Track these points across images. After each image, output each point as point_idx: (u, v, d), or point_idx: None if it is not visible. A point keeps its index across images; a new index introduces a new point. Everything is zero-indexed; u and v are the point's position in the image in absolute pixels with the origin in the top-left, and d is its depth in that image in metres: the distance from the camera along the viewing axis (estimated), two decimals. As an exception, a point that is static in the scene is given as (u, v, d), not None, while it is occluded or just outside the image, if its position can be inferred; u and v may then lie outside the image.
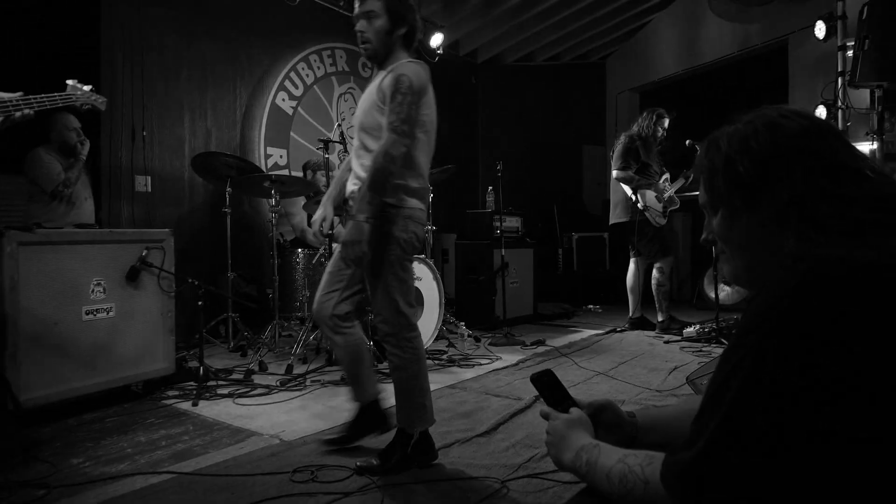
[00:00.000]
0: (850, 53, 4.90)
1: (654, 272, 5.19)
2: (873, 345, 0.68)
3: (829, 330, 0.70)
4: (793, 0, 5.77)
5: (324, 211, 2.45)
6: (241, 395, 3.15)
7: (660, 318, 5.16)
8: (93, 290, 2.90)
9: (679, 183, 5.25)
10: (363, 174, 2.19)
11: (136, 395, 3.12)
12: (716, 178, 0.93)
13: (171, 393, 3.19)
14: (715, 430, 0.75)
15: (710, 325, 4.60)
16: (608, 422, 1.16)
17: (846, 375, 0.68)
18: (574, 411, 1.11)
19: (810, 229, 0.83)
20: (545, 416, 1.14)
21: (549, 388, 1.17)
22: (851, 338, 0.69)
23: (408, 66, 2.21)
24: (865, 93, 5.02)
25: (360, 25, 2.23)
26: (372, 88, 2.27)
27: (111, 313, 2.97)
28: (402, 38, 2.29)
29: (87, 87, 2.59)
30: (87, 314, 2.87)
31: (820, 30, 5.20)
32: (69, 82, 2.56)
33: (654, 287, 5.19)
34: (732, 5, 6.36)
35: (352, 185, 2.30)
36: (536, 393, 1.22)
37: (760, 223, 0.88)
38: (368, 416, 2.41)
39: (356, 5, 2.25)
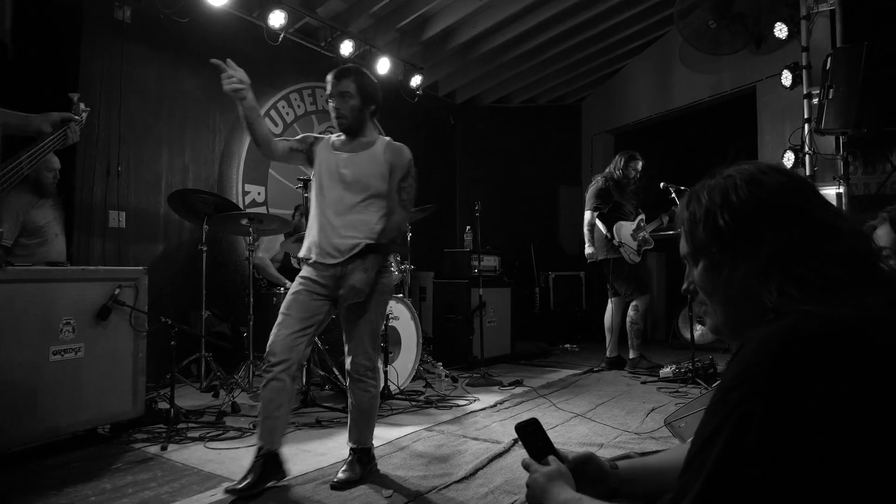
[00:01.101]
0: (815, 101, 5.09)
1: (630, 310, 5.23)
2: (858, 404, 0.69)
3: (815, 389, 0.70)
4: (760, 49, 5.99)
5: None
6: (212, 439, 3.06)
7: (631, 356, 5.18)
8: (62, 330, 2.82)
9: (655, 224, 5.34)
10: (362, 233, 2.53)
11: (104, 439, 3.02)
12: (696, 230, 0.95)
13: (139, 436, 3.09)
14: (700, 487, 0.74)
15: (686, 365, 4.63)
16: (590, 474, 1.16)
17: (832, 434, 0.69)
18: (554, 463, 1.10)
19: (790, 285, 0.85)
20: (526, 467, 1.13)
21: (533, 438, 1.16)
22: (836, 397, 0.70)
23: (406, 150, 2.67)
24: (831, 138, 5.20)
25: (336, 103, 2.57)
26: (368, 157, 2.59)
27: (80, 353, 2.89)
28: (370, 113, 2.65)
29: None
30: (55, 354, 2.79)
31: (786, 78, 5.40)
32: (74, 97, 2.41)
33: (627, 324, 5.22)
34: (700, 56, 6.59)
35: (350, 241, 2.52)
36: (515, 436, 1.21)
37: (741, 276, 0.90)
38: (274, 464, 2.42)
39: (330, 84, 2.59)
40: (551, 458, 1.10)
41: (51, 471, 2.59)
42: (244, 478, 2.32)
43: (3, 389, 2.58)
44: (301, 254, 2.66)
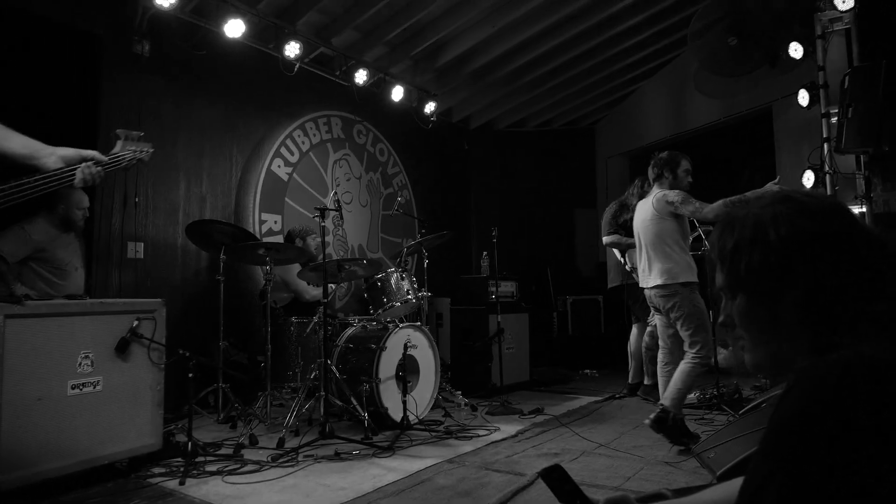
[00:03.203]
0: (834, 120, 5.03)
1: (645, 335, 5.10)
2: None
3: (874, 432, 0.66)
4: (775, 69, 5.95)
5: None
6: (230, 473, 3.01)
7: (646, 381, 5.05)
8: (80, 364, 2.81)
9: None
10: None
11: (121, 473, 2.98)
12: (734, 263, 0.91)
13: (157, 470, 3.05)
14: None
15: (710, 391, 4.52)
16: None
17: (891, 476, 0.64)
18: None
19: (833, 323, 0.82)
20: (560, 515, 1.09)
21: (559, 483, 1.12)
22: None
23: None
24: (851, 157, 5.13)
25: None
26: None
27: (98, 387, 2.87)
28: None
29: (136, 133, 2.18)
30: (73, 388, 2.77)
31: (803, 98, 5.34)
32: (121, 133, 2.25)
33: (642, 349, 5.10)
34: (714, 79, 6.57)
35: None
36: (538, 470, 1.16)
37: (782, 312, 0.86)
38: None
39: None
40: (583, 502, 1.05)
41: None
42: None
43: (22, 424, 2.57)
44: None
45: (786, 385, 0.78)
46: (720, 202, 3.39)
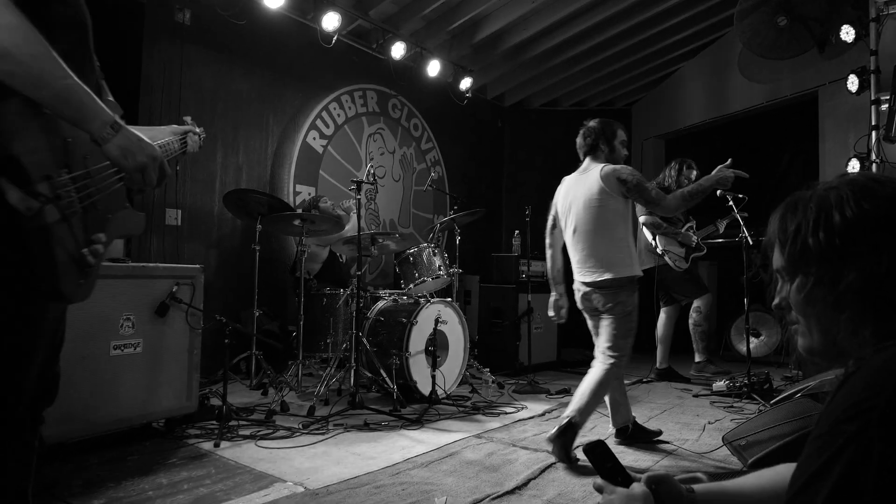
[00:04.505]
0: (884, 107, 4.87)
1: (692, 312, 5.16)
2: None
3: None
4: (823, 53, 5.76)
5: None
6: (263, 437, 3.09)
7: (697, 359, 5.13)
8: (122, 325, 2.89)
9: (709, 229, 5.22)
10: None
11: (158, 433, 3.08)
12: (795, 244, 0.89)
13: (192, 432, 3.14)
14: None
15: (741, 379, 4.47)
16: (665, 497, 1.10)
17: None
18: (635, 486, 1.06)
19: (894, 311, 0.80)
20: (599, 490, 1.09)
21: (601, 459, 1.12)
22: None
23: None
24: (900, 147, 4.97)
25: None
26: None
27: (138, 349, 2.95)
28: None
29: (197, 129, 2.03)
30: (115, 349, 2.85)
31: (853, 83, 5.17)
32: (187, 119, 2.15)
33: (691, 327, 5.18)
34: (758, 62, 6.37)
35: None
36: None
37: (841, 298, 0.84)
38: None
39: None
40: (635, 484, 1.05)
41: (108, 464, 2.65)
42: None
43: (68, 381, 2.65)
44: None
45: (844, 372, 0.77)
46: (679, 193, 2.99)
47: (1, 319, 1.18)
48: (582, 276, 3.10)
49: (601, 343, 3.03)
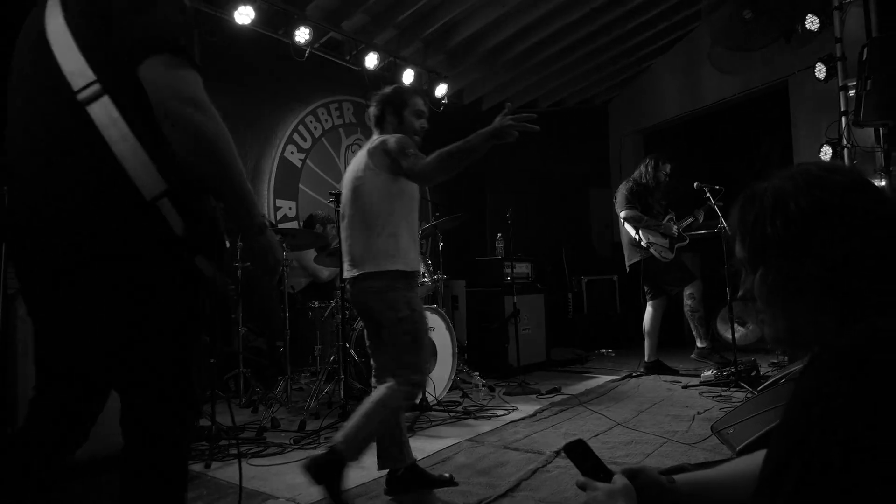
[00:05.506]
0: (852, 93, 4.95)
1: (686, 300, 5.19)
2: None
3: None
4: (790, 43, 5.85)
5: None
6: (254, 455, 3.08)
7: (699, 345, 5.19)
8: (105, 351, 2.85)
9: (688, 220, 5.28)
10: None
11: (148, 457, 3.05)
12: (754, 236, 0.91)
13: (182, 454, 3.12)
14: None
15: (727, 368, 4.51)
16: (645, 490, 1.12)
17: None
18: (616, 480, 1.07)
19: (854, 298, 0.81)
20: (582, 487, 1.10)
21: (582, 458, 1.14)
22: None
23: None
24: (870, 130, 5.05)
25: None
26: None
27: (123, 373, 2.92)
28: None
29: None
30: (100, 375, 2.82)
31: (820, 71, 5.26)
32: None
33: (687, 315, 5.22)
34: (729, 54, 6.46)
35: None
36: (557, 447, 1.17)
37: (802, 286, 0.86)
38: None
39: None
40: (616, 477, 1.07)
41: (95, 490, 2.62)
42: None
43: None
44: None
45: (807, 359, 0.79)
46: (437, 153, 2.38)
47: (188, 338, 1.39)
48: (345, 273, 2.58)
49: (391, 362, 2.46)
